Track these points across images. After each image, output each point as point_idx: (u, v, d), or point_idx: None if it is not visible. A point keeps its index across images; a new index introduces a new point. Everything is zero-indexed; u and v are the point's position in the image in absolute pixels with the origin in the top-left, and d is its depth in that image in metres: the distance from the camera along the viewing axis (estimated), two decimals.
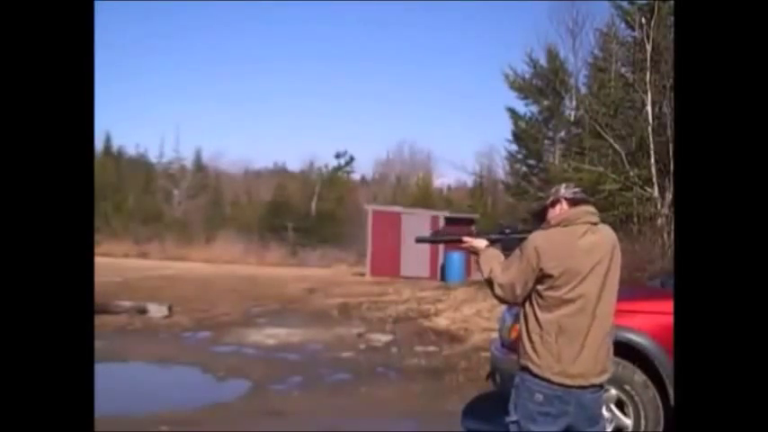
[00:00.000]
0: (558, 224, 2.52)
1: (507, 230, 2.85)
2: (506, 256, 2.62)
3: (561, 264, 2.41)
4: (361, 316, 10.58)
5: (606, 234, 2.56)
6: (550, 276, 2.42)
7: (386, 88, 64.66)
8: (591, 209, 2.57)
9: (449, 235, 3.42)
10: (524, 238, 2.56)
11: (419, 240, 3.30)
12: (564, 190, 2.61)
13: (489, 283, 2.56)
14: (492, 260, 2.60)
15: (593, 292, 2.44)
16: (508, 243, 2.75)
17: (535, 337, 2.46)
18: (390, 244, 17.96)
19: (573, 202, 2.57)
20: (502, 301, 2.63)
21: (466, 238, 2.81)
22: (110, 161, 36.09)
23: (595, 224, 2.54)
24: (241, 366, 6.76)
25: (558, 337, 2.42)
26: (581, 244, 2.45)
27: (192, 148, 47.64)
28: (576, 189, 2.63)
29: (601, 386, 2.52)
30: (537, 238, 2.49)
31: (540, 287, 2.45)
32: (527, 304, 2.51)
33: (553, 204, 2.60)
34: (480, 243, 2.74)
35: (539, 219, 2.65)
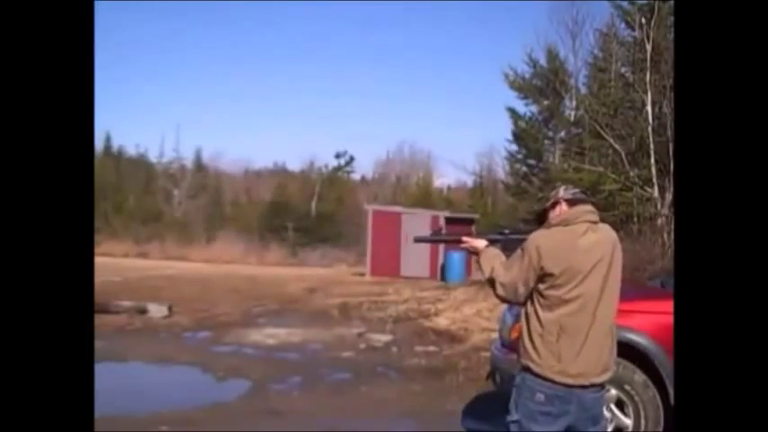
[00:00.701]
0: (558, 224, 2.54)
1: (506, 231, 2.87)
2: (507, 256, 2.62)
3: (562, 262, 2.42)
4: (361, 316, 10.58)
5: (606, 233, 2.57)
6: (552, 275, 2.42)
7: (386, 88, 64.64)
8: (590, 208, 2.58)
9: (448, 235, 3.42)
10: (524, 239, 2.57)
11: (418, 240, 3.30)
12: (563, 191, 2.63)
13: (491, 282, 2.57)
14: (493, 259, 2.61)
15: (593, 291, 2.44)
16: (508, 244, 2.76)
17: (536, 337, 2.46)
18: (390, 244, 17.95)
19: (572, 203, 2.59)
20: (504, 300, 2.64)
21: (465, 238, 2.82)
22: (110, 161, 36.14)
23: (595, 223, 2.55)
24: (241, 366, 6.76)
25: (560, 336, 2.42)
26: (582, 243, 2.46)
27: (192, 148, 47.80)
28: (575, 190, 2.65)
29: (602, 386, 2.52)
30: (538, 238, 2.50)
31: (541, 286, 2.46)
32: (529, 304, 2.52)
33: (553, 206, 2.63)
34: (480, 243, 2.75)
35: (539, 221, 2.68)
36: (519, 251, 2.53)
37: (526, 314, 2.53)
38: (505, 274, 2.52)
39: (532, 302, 2.50)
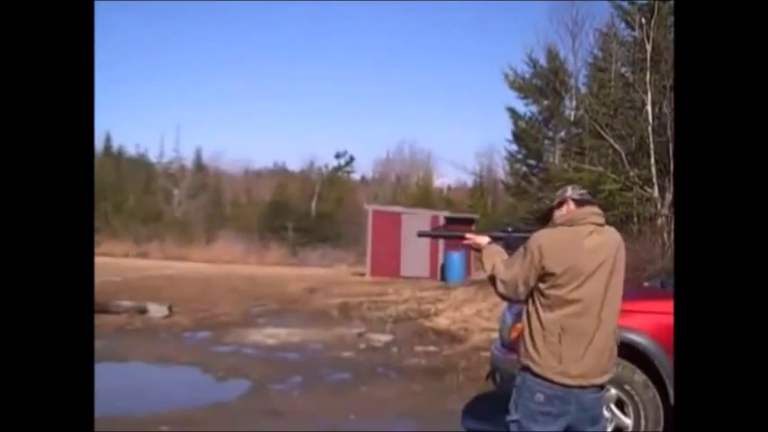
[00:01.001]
0: (563, 224, 2.53)
1: (510, 229, 2.87)
2: (509, 254, 2.62)
3: (564, 262, 2.41)
4: (361, 316, 10.58)
5: (611, 235, 2.56)
6: (553, 275, 2.42)
7: (386, 88, 64.55)
8: (597, 210, 2.58)
9: (451, 231, 3.45)
10: (526, 237, 2.57)
11: (421, 234, 3.32)
12: (571, 191, 2.63)
13: (492, 279, 2.57)
14: (495, 256, 2.61)
15: (596, 293, 2.44)
16: (511, 242, 2.76)
17: (537, 337, 2.46)
18: (390, 244, 17.95)
19: (580, 203, 2.58)
20: (504, 298, 2.64)
21: (469, 235, 2.82)
22: (110, 161, 36.14)
23: (601, 225, 2.54)
24: (241, 366, 6.76)
25: (561, 337, 2.41)
26: (586, 244, 2.46)
27: (192, 148, 47.81)
28: (583, 191, 2.65)
29: (602, 386, 2.52)
30: (541, 236, 2.50)
31: (542, 286, 2.45)
32: (530, 303, 2.51)
33: (560, 205, 2.62)
34: (483, 239, 2.76)
35: (544, 220, 2.67)
36: (521, 249, 2.52)
37: (527, 314, 2.52)
38: (506, 271, 2.52)
39: (533, 302, 2.49)
